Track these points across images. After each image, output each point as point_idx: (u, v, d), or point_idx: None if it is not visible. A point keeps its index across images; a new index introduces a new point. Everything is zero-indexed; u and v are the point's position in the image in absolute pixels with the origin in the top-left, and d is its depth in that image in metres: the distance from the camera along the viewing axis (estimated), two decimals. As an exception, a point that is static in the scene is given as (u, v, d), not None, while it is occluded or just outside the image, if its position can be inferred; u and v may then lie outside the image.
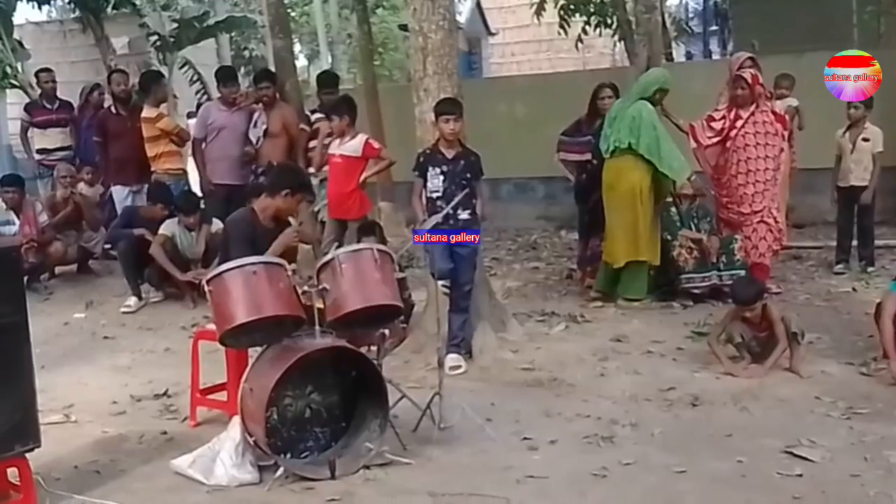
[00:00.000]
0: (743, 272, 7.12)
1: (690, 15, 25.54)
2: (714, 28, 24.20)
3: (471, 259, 5.92)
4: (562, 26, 14.40)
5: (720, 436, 4.59)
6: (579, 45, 14.89)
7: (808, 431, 4.55)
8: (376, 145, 7.43)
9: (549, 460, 4.36)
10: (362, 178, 7.29)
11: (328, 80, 9.34)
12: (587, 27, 14.56)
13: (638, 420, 4.83)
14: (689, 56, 25.14)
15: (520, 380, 5.68)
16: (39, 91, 10.63)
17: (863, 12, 13.04)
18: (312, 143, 8.34)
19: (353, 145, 7.26)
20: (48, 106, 10.17)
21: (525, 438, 4.63)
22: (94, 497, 4.10)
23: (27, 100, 12.48)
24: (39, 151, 10.04)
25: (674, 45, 20.09)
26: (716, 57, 21.64)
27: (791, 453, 4.29)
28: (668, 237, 7.39)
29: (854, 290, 7.60)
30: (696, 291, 7.33)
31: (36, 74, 10.93)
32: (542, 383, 5.59)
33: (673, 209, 7.51)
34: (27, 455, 3.87)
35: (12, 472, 3.97)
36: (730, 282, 7.23)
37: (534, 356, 6.10)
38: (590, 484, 4.08)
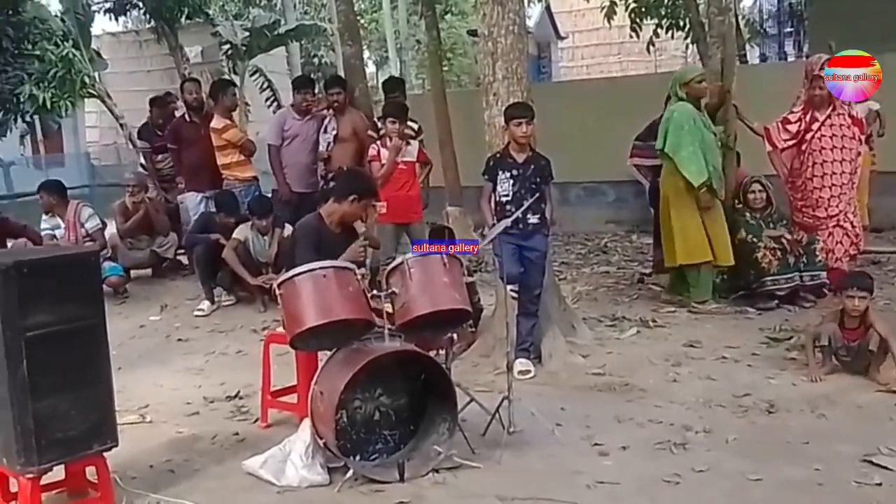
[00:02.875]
0: (823, 273, 7.07)
1: (765, 16, 25.12)
2: (789, 29, 23.77)
3: (540, 263, 5.88)
4: (633, 29, 14.27)
5: (796, 443, 4.49)
6: (651, 48, 14.74)
7: (887, 439, 4.42)
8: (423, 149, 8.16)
9: (620, 466, 4.31)
10: (420, 179, 7.91)
11: (394, 85, 9.44)
12: (659, 30, 14.41)
13: (711, 426, 4.75)
14: (763, 58, 24.74)
15: (590, 384, 5.62)
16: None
17: (943, 10, 12.68)
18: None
19: (410, 151, 7.70)
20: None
21: (595, 444, 4.58)
22: (168, 496, 4.17)
23: (104, 109, 12.66)
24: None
25: (748, 46, 19.80)
26: (791, 59, 21.23)
27: (869, 461, 4.19)
28: (753, 239, 7.25)
29: (936, 295, 7.38)
30: (780, 293, 7.20)
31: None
32: (612, 388, 5.52)
33: (748, 213, 7.38)
34: (105, 454, 3.96)
35: (90, 471, 4.08)
36: (811, 282, 7.18)
37: (604, 360, 6.04)
38: (661, 490, 4.03)
